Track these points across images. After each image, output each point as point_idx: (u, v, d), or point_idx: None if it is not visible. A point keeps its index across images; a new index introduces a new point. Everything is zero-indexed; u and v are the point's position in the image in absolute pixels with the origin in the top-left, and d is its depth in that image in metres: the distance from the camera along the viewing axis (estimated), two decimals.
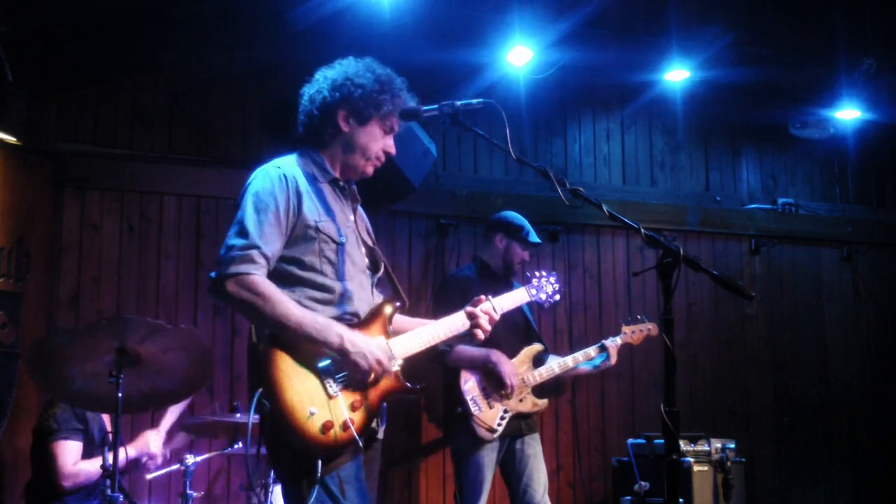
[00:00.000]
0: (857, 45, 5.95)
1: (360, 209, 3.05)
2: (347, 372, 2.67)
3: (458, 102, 2.84)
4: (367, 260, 2.94)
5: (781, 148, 7.23)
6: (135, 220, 5.53)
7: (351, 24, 5.04)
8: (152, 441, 4.50)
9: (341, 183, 2.94)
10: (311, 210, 2.78)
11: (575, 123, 6.74)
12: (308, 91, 2.94)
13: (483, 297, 3.00)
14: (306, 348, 2.64)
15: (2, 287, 4.97)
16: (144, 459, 4.44)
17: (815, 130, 6.90)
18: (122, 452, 4.03)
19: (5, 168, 5.09)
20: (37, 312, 5.19)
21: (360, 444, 2.65)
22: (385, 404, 2.82)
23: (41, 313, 5.23)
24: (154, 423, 4.71)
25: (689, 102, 6.71)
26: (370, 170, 2.96)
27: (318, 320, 2.64)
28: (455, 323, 2.94)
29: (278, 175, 2.77)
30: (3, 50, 4.70)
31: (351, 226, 2.92)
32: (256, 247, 2.64)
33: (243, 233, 2.66)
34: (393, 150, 2.96)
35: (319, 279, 2.76)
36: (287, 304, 2.62)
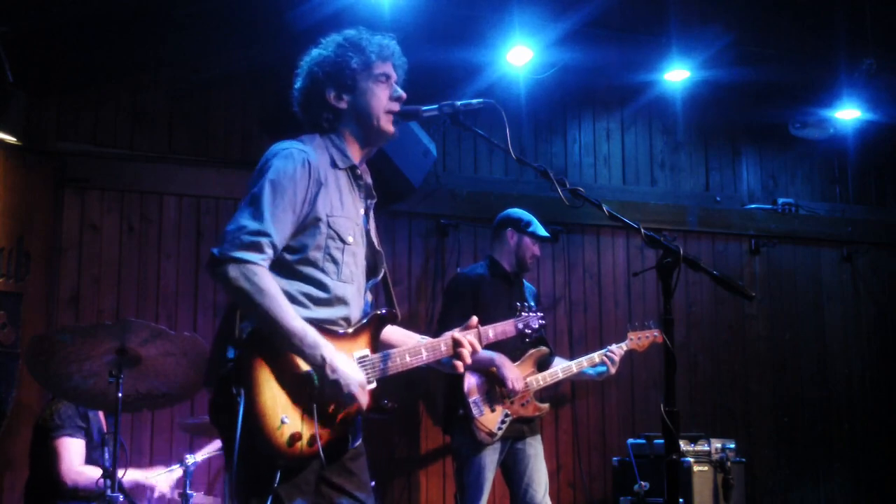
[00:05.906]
0: (857, 45, 5.96)
1: (371, 207, 2.90)
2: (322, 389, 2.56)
3: (458, 102, 2.80)
4: (366, 262, 2.82)
5: (781, 148, 7.23)
6: (135, 220, 5.53)
7: (351, 25, 4.98)
8: (163, 481, 4.50)
9: (358, 171, 2.80)
10: (325, 202, 2.64)
11: (575, 123, 6.74)
12: (294, 90, 2.85)
13: (475, 321, 2.93)
14: (290, 353, 2.54)
15: (2, 287, 4.97)
16: (148, 494, 4.44)
17: (815, 130, 6.90)
18: (131, 473, 4.05)
19: (5, 168, 5.09)
20: (37, 312, 5.19)
21: (324, 460, 2.54)
22: (360, 418, 2.73)
23: (41, 313, 5.23)
24: (154, 423, 4.70)
25: (689, 102, 6.72)
26: (390, 128, 2.80)
27: (308, 334, 2.49)
28: (439, 348, 2.85)
29: (302, 159, 2.60)
30: (3, 50, 4.71)
31: (360, 223, 2.79)
32: (268, 234, 2.49)
33: (258, 215, 2.50)
34: (403, 95, 2.81)
35: (318, 276, 2.63)
36: (284, 307, 2.48)
